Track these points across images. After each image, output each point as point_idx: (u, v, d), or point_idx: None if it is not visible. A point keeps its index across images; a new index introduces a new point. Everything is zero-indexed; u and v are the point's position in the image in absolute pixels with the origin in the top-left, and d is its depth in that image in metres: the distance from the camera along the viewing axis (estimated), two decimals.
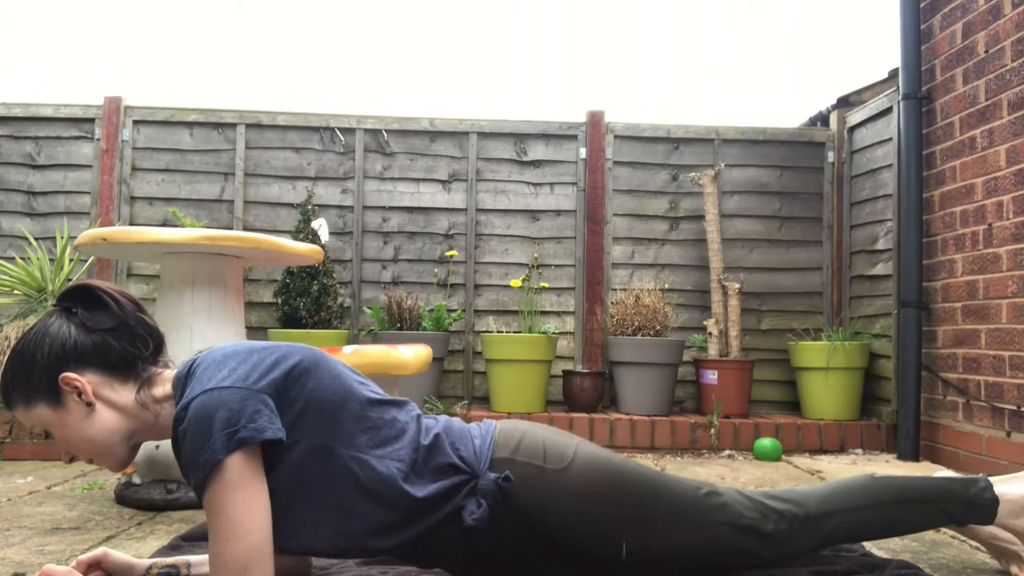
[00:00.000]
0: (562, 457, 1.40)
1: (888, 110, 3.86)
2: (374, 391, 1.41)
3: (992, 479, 1.60)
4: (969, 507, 1.56)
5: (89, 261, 3.98)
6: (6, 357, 1.36)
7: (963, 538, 2.10)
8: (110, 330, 1.32)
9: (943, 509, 1.56)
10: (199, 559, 1.50)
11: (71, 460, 1.37)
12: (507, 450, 1.40)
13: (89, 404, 1.30)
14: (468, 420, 1.49)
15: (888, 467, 3.31)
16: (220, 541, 1.18)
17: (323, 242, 3.88)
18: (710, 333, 3.97)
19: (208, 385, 1.22)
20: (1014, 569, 1.65)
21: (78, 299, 1.35)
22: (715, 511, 1.43)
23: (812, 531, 1.49)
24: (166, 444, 2.36)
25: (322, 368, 1.33)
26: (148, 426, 1.34)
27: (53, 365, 1.29)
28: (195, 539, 1.91)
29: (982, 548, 1.99)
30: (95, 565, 1.45)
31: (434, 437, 1.38)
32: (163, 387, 1.35)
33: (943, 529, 2.19)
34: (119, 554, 1.47)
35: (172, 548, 1.85)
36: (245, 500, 1.19)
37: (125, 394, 1.32)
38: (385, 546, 1.35)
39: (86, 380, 1.29)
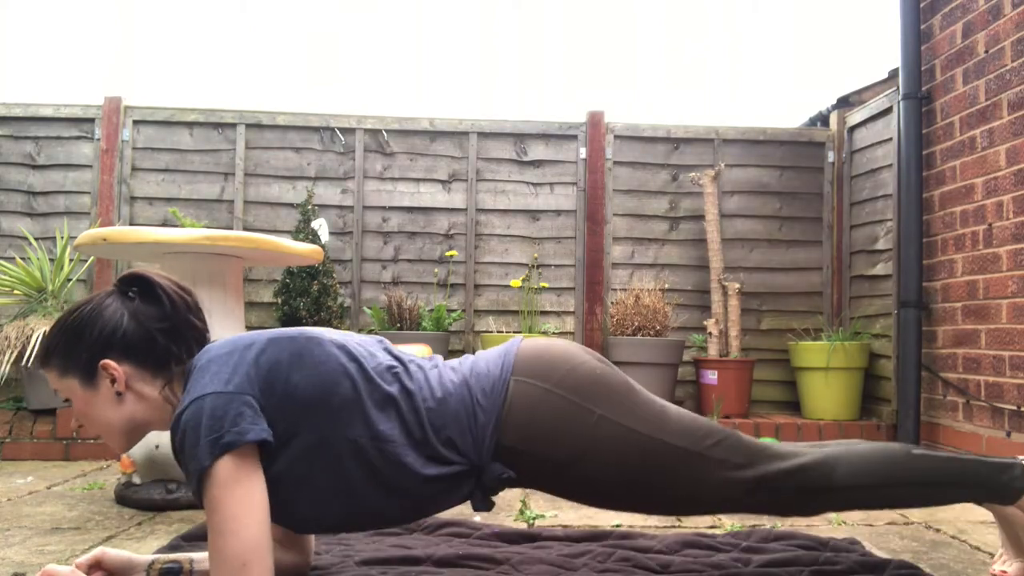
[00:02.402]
0: (556, 370, 1.41)
1: (888, 110, 3.86)
2: (374, 365, 1.38)
3: None
4: (998, 491, 1.52)
5: (89, 261, 3.98)
6: (57, 320, 1.38)
7: (963, 538, 2.10)
8: (159, 329, 1.36)
9: (972, 493, 1.53)
10: (202, 556, 1.50)
11: (80, 427, 1.41)
12: (516, 435, 1.38)
13: (119, 393, 1.34)
14: None
15: None
16: (218, 538, 1.20)
17: (323, 242, 3.88)
18: (710, 333, 3.97)
19: (194, 394, 1.25)
20: (1004, 566, 1.63)
21: (138, 288, 1.38)
22: (732, 485, 1.42)
23: (835, 501, 1.48)
24: (166, 444, 2.36)
25: (305, 358, 1.32)
26: (167, 418, 1.38)
27: (99, 348, 1.33)
28: (195, 539, 1.91)
29: (982, 548, 1.99)
30: (95, 566, 1.45)
31: (430, 425, 1.36)
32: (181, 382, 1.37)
33: (942, 529, 2.20)
34: (117, 552, 1.48)
35: (172, 548, 1.85)
36: (240, 497, 1.21)
37: (154, 388, 1.36)
38: (392, 518, 1.42)
39: (123, 370, 1.33)
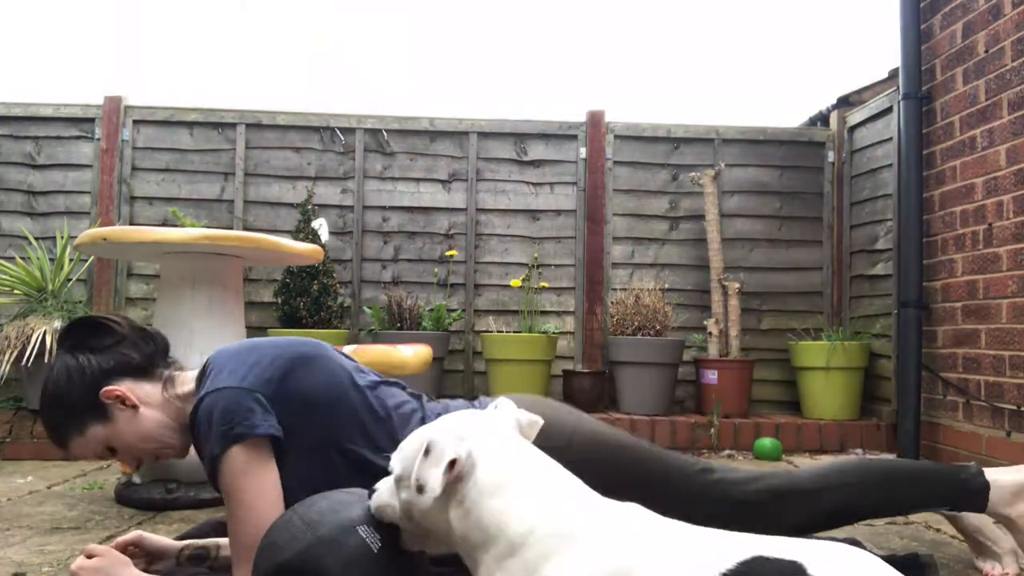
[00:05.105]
0: (560, 434, 1.45)
1: (888, 110, 3.86)
2: (376, 388, 1.48)
3: (985, 469, 1.61)
4: (961, 491, 1.57)
5: (89, 261, 3.98)
6: (40, 411, 1.49)
7: (963, 538, 2.10)
8: (119, 342, 1.48)
9: (936, 492, 1.57)
10: (228, 541, 1.58)
11: (137, 466, 1.52)
12: None
13: (134, 407, 1.44)
14: None
15: None
16: (236, 524, 1.32)
17: (323, 242, 3.88)
18: (710, 333, 3.97)
19: (210, 387, 1.36)
20: (987, 567, 1.68)
21: (79, 332, 1.50)
22: (709, 487, 1.51)
23: (805, 505, 1.53)
24: None
25: (317, 367, 1.42)
26: (184, 417, 1.47)
27: (90, 388, 1.43)
28: (195, 538, 1.90)
29: None
30: (133, 544, 1.55)
31: None
32: (185, 386, 1.49)
33: (943, 529, 2.20)
34: (154, 536, 1.59)
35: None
36: (252, 485, 1.30)
37: (154, 392, 1.47)
38: None
39: (124, 387, 1.44)
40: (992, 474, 1.59)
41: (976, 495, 1.57)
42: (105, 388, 1.43)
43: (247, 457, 1.30)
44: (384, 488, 1.13)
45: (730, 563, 0.87)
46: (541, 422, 1.17)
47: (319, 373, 1.41)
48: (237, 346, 1.45)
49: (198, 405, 1.36)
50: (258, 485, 1.30)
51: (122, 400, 1.43)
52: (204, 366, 1.44)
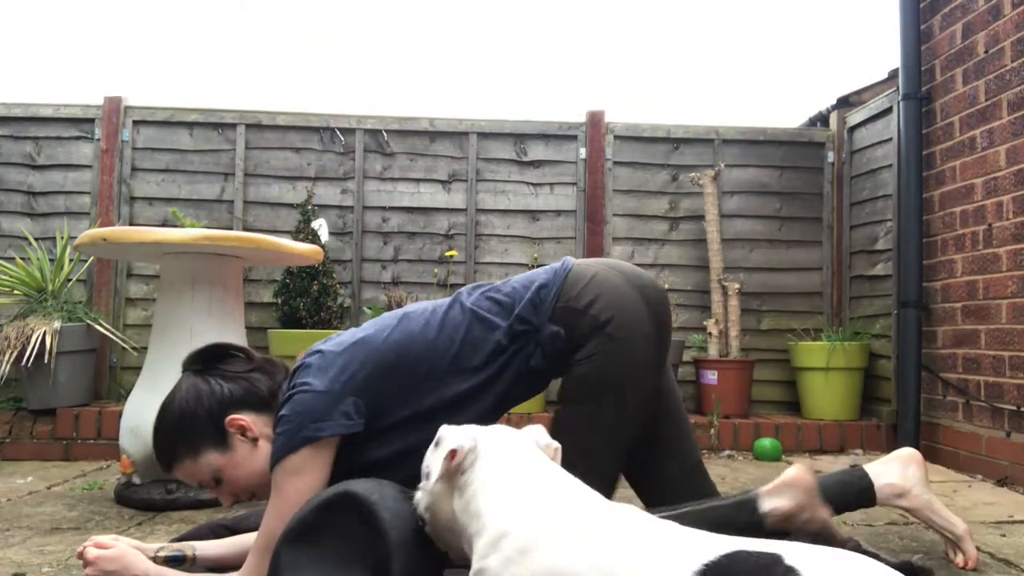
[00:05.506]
0: (640, 322, 1.52)
1: (888, 110, 3.86)
2: (433, 323, 1.52)
3: (761, 493, 1.55)
4: (751, 529, 1.51)
5: (89, 261, 3.98)
6: (156, 428, 1.48)
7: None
8: (251, 371, 1.51)
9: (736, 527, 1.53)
10: (205, 544, 1.62)
11: (233, 503, 1.52)
12: (570, 296, 1.52)
13: (255, 439, 1.46)
14: None
15: None
16: (268, 514, 1.37)
17: (323, 242, 3.88)
18: (710, 333, 3.97)
19: (290, 391, 1.43)
20: (959, 560, 1.80)
21: (209, 357, 1.53)
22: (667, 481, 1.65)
23: None
24: None
25: (399, 360, 1.46)
26: None
27: (216, 413, 1.45)
28: (194, 539, 1.90)
29: (981, 548, 1.99)
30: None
31: (508, 316, 1.53)
32: None
33: None
34: (129, 539, 1.58)
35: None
36: (298, 488, 1.35)
37: (270, 425, 1.47)
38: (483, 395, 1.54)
39: (248, 419, 1.46)
40: (767, 503, 1.53)
41: (761, 528, 1.52)
42: (231, 416, 1.44)
43: (305, 459, 1.35)
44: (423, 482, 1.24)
45: (713, 555, 0.92)
46: (558, 447, 1.21)
47: (393, 346, 1.46)
48: (319, 344, 1.50)
49: (281, 405, 1.42)
50: (303, 488, 1.34)
51: (244, 431, 1.44)
52: (291, 373, 1.49)
